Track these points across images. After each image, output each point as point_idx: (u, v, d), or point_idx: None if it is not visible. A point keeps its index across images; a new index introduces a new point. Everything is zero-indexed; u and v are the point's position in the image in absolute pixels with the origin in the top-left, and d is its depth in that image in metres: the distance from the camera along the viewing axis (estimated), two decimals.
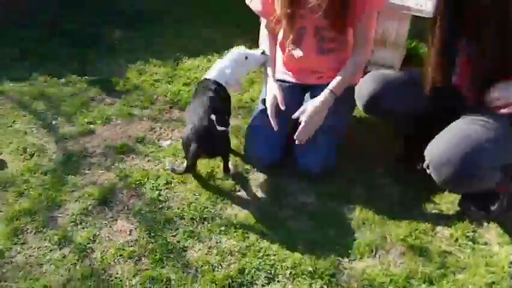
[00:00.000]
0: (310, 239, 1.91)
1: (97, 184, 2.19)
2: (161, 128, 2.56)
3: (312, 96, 2.17)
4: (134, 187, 2.17)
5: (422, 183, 2.00)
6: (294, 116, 2.10)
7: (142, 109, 2.70)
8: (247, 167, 2.27)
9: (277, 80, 2.25)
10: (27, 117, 2.65)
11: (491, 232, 1.95)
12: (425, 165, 1.82)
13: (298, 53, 2.25)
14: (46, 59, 3.15)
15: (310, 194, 2.13)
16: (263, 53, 2.25)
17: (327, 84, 2.14)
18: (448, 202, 2.08)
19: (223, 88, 2.18)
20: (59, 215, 2.04)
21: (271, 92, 2.17)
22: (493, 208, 1.98)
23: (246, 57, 2.22)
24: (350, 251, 1.87)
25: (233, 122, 2.32)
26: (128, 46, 3.32)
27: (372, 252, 1.87)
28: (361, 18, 2.12)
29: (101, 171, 2.28)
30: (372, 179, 2.20)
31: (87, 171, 2.28)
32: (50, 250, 1.89)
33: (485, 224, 1.98)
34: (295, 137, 2.09)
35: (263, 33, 2.36)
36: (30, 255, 1.87)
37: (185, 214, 2.03)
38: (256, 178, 2.21)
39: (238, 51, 2.24)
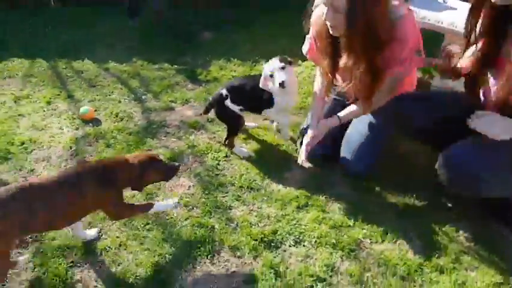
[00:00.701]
0: (339, 219, 2.15)
1: (169, 148, 2.60)
2: None
3: None
4: (198, 155, 2.54)
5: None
6: (303, 125, 2.32)
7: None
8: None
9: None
10: (123, 90, 3.16)
11: None
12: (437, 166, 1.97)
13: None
14: (146, 47, 3.70)
15: (348, 186, 2.37)
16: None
17: None
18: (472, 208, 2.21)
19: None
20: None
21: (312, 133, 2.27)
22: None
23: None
24: (372, 234, 2.08)
25: (294, 118, 2.65)
26: (215, 46, 3.79)
27: (393, 239, 2.06)
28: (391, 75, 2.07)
29: (173, 139, 2.69)
30: (408, 183, 2.38)
31: (163, 138, 2.70)
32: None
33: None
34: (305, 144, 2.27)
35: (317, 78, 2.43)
36: None
37: (236, 182, 2.36)
38: (304, 167, 2.49)
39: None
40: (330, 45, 2.09)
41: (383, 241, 2.06)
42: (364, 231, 2.10)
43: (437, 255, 1.99)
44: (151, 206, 1.95)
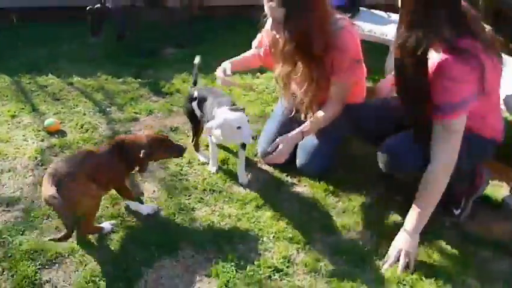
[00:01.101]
0: (296, 216, 2.31)
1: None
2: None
3: None
4: (162, 162, 2.66)
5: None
6: (268, 149, 2.39)
7: (181, 107, 3.24)
8: (257, 159, 2.72)
9: None
10: (88, 103, 3.25)
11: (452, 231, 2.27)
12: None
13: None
14: (110, 62, 3.81)
15: (305, 187, 2.54)
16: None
17: None
18: None
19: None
20: None
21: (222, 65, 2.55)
22: (456, 212, 2.30)
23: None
24: (327, 228, 2.24)
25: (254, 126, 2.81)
26: (178, 60, 3.93)
27: (346, 231, 2.23)
28: (335, 83, 2.29)
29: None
30: (365, 181, 2.57)
31: None
32: None
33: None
34: (265, 161, 2.53)
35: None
36: None
37: (199, 186, 2.49)
38: (263, 168, 2.65)
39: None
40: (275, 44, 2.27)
41: (335, 233, 2.22)
42: (319, 225, 2.26)
43: (386, 243, 2.17)
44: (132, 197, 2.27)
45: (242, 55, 2.72)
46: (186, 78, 3.63)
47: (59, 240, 1.91)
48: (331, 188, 2.51)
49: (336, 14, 2.21)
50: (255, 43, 2.70)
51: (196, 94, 2.61)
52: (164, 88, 3.48)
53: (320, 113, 2.37)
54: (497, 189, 2.53)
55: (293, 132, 2.38)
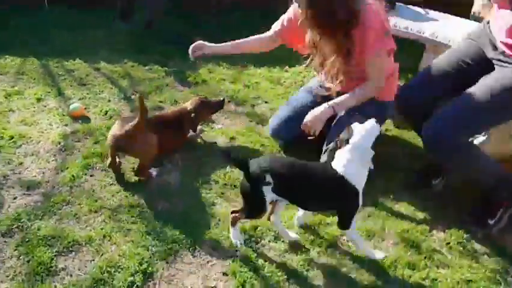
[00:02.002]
0: (318, 217, 2.22)
1: None
2: (217, 115, 3.01)
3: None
4: (186, 150, 2.61)
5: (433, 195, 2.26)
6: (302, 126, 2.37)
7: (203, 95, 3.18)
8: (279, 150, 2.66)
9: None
10: (113, 89, 3.23)
11: (485, 242, 2.16)
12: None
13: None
14: (136, 50, 3.77)
15: None
16: None
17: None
18: (450, 213, 2.31)
19: None
20: (123, 161, 2.52)
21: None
22: (491, 222, 2.18)
23: None
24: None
25: None
26: None
27: (368, 237, 2.15)
28: (368, 61, 2.32)
29: None
30: (389, 184, 2.48)
31: None
32: (110, 184, 2.36)
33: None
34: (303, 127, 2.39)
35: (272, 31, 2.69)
36: (94, 184, 2.35)
37: (220, 180, 2.43)
38: None
39: None
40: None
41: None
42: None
43: (409, 253, 2.07)
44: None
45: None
46: (212, 69, 3.57)
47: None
48: None
49: None
50: (275, 26, 2.67)
51: (268, 178, 1.85)
52: (190, 78, 3.42)
53: (356, 90, 2.37)
54: None
55: (323, 105, 2.37)
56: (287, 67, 3.69)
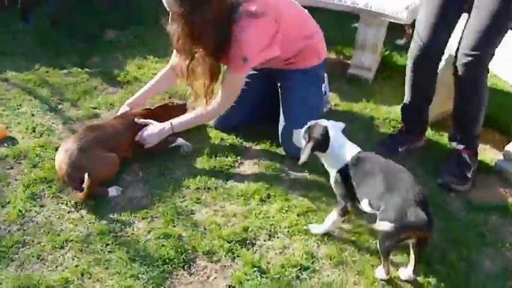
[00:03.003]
0: (304, 205, 2.15)
1: None
2: None
3: (283, 84, 2.44)
4: (143, 160, 2.36)
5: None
6: (136, 137, 2.32)
7: None
8: (247, 144, 2.51)
9: None
10: (33, 101, 2.80)
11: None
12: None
13: None
14: (47, 52, 3.32)
15: (307, 172, 2.37)
16: None
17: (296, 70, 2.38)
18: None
19: None
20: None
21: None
22: (469, 175, 2.29)
23: None
24: None
25: None
26: (124, 44, 3.53)
27: (361, 217, 2.12)
28: (224, 76, 2.25)
29: None
30: None
31: None
32: (68, 212, 2.05)
33: None
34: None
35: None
36: (49, 216, 2.02)
37: (191, 184, 2.23)
38: (254, 155, 2.45)
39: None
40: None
41: (353, 219, 2.10)
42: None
43: None
44: None
45: (149, 83, 2.60)
46: (141, 64, 3.27)
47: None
48: None
49: (243, 2, 2.09)
50: (172, 59, 2.50)
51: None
52: (120, 77, 3.09)
53: (198, 110, 2.31)
54: (484, 154, 2.56)
55: (164, 124, 2.33)
56: None
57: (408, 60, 2.41)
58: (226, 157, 2.41)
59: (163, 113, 2.46)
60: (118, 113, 2.52)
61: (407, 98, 2.52)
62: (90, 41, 3.53)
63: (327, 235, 2.01)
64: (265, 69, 2.40)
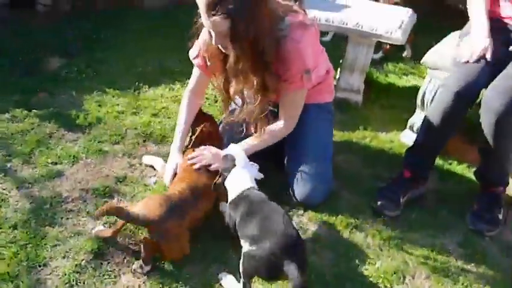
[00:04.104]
0: (333, 272, 1.83)
1: (84, 235, 1.89)
2: (141, 164, 2.31)
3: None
4: (131, 234, 1.91)
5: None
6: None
7: (113, 144, 2.43)
8: None
9: None
10: None
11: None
12: None
13: None
14: None
15: (313, 223, 2.06)
16: None
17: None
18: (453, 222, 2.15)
19: None
20: (47, 276, 1.71)
21: (174, 161, 2.12)
22: (500, 217, 2.09)
23: None
24: (378, 282, 1.82)
25: None
26: (74, 75, 3.00)
27: (400, 279, 1.84)
28: (283, 96, 2.04)
29: (83, 219, 1.98)
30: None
31: (67, 220, 1.96)
32: None
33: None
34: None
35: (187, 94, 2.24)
36: None
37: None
38: None
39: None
40: (222, 62, 1.93)
41: (391, 286, 1.81)
42: (364, 278, 1.83)
43: (447, 284, 1.84)
44: None
45: (182, 113, 2.22)
46: (101, 101, 2.76)
47: None
48: (343, 218, 2.09)
49: (287, 13, 1.90)
50: (193, 53, 2.13)
51: None
52: (79, 119, 2.57)
53: (266, 132, 2.05)
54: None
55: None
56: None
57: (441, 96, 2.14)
58: None
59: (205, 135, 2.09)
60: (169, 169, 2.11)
61: (420, 139, 2.26)
62: (32, 74, 2.96)
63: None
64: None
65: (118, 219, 1.84)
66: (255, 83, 1.88)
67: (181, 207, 1.78)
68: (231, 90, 2.02)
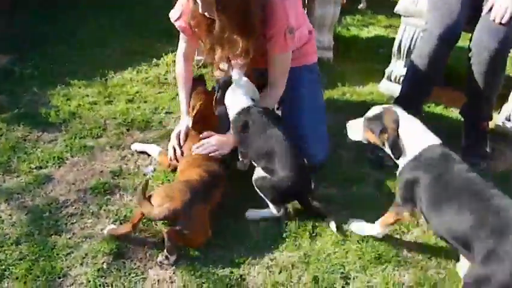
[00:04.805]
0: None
1: (96, 237, 1.78)
2: (132, 154, 2.20)
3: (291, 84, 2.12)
4: (146, 227, 1.82)
5: None
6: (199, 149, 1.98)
7: (96, 138, 2.29)
8: None
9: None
10: None
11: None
12: None
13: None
14: None
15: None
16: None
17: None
18: None
19: None
20: (70, 287, 1.61)
21: (184, 122, 2.11)
22: (488, 150, 2.21)
23: None
24: None
25: None
26: (31, 71, 2.75)
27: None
28: (270, 60, 2.03)
29: (89, 221, 1.86)
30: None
31: (72, 225, 1.84)
32: None
33: None
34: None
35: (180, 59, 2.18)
36: None
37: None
38: None
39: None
40: (208, 30, 1.90)
41: None
42: None
43: None
44: None
45: (180, 82, 2.19)
46: (68, 94, 2.58)
47: None
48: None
49: None
50: (174, 15, 2.06)
51: None
52: (51, 117, 2.38)
53: (265, 98, 2.05)
54: None
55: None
56: (154, 59, 2.94)
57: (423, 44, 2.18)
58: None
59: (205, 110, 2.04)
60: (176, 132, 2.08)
61: (406, 87, 2.30)
62: None
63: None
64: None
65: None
66: (240, 49, 1.85)
67: (203, 191, 1.72)
68: (217, 57, 1.97)
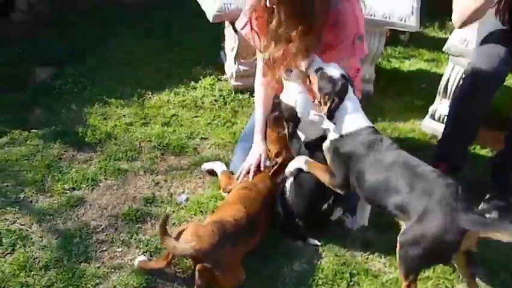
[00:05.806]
0: None
1: (125, 268, 1.74)
2: (166, 180, 2.16)
3: None
4: (176, 261, 1.77)
5: None
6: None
7: (131, 161, 2.26)
8: None
9: None
10: None
11: None
12: None
13: None
14: None
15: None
16: None
17: None
18: None
19: None
20: None
21: (257, 151, 2.06)
22: None
23: None
24: None
25: None
26: (70, 87, 2.76)
27: None
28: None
29: (119, 249, 1.82)
30: None
31: (102, 254, 1.79)
32: None
33: None
34: None
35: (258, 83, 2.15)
36: None
37: None
38: None
39: None
40: (267, 24, 1.87)
41: None
42: None
43: None
44: None
45: (258, 108, 2.14)
46: (106, 113, 2.56)
47: None
48: None
49: None
50: (240, 24, 2.06)
51: None
52: (88, 136, 2.37)
53: None
54: None
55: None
56: (192, 82, 2.91)
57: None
58: None
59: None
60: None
61: (449, 129, 2.21)
62: (16, 88, 2.70)
63: None
64: None
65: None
66: (295, 48, 1.84)
67: (235, 236, 1.65)
68: (274, 55, 1.92)
